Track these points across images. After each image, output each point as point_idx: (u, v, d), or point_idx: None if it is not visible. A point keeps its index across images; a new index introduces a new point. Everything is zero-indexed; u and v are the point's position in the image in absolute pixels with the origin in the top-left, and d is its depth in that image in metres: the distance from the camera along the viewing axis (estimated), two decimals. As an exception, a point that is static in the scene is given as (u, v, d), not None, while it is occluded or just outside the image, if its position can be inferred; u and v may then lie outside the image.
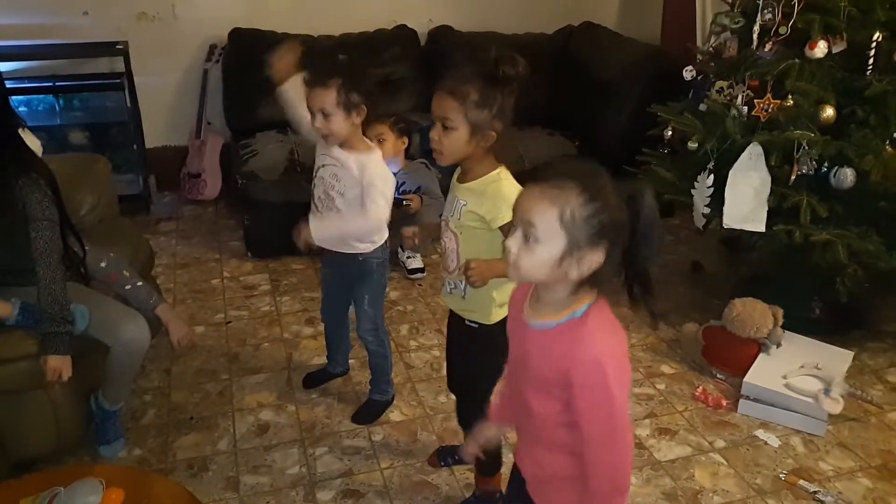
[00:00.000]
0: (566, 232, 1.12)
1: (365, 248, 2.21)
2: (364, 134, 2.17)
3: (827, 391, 2.39)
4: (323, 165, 2.16)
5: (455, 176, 1.81)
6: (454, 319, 1.95)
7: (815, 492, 2.14)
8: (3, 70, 3.57)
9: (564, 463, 1.30)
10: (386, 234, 2.24)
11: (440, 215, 1.90)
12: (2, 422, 2.02)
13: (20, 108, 3.74)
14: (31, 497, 1.45)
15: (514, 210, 1.19)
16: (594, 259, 1.14)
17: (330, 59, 2.30)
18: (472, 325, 1.84)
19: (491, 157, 1.73)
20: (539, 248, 1.14)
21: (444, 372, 2.63)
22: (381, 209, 2.09)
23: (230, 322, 3.01)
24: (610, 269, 1.16)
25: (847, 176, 2.45)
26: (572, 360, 1.17)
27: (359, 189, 2.10)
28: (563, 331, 1.20)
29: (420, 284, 3.33)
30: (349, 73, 2.04)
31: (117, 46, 3.71)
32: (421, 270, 3.38)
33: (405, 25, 4.21)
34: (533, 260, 1.15)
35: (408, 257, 3.42)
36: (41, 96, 3.79)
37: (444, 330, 2.07)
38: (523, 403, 1.30)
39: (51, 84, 3.75)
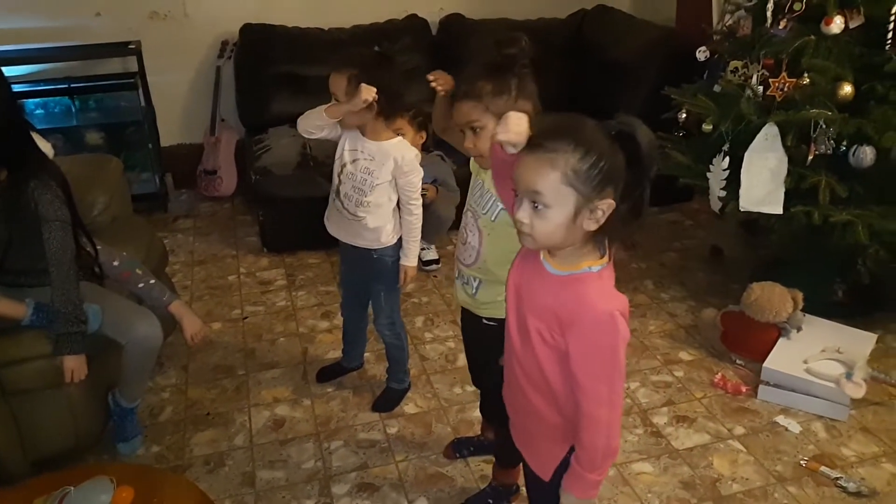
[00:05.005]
0: (573, 189, 1.15)
1: (383, 242, 2.20)
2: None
3: (849, 375, 2.34)
4: (354, 160, 2.15)
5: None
6: (469, 319, 1.92)
7: (837, 478, 2.09)
8: (18, 73, 3.65)
9: (547, 411, 1.35)
10: (400, 232, 2.23)
11: (456, 206, 1.85)
12: (20, 421, 2.05)
13: (37, 111, 3.79)
14: (43, 497, 1.46)
15: (516, 183, 1.20)
16: (606, 205, 1.16)
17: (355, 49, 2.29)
18: (490, 323, 1.80)
19: None
20: (551, 212, 1.16)
21: (459, 364, 2.65)
22: (420, 210, 2.20)
23: (246, 318, 3.03)
24: (621, 211, 1.18)
25: (867, 154, 2.39)
26: (586, 307, 1.20)
27: (390, 179, 2.13)
28: (581, 279, 1.23)
29: (435, 276, 3.31)
30: (367, 65, 2.03)
31: (130, 46, 3.73)
32: (436, 262, 3.37)
33: (416, 15, 4.19)
34: (548, 224, 1.17)
35: (422, 249, 3.40)
36: (57, 98, 3.82)
37: (459, 321, 2.06)
38: (515, 349, 1.35)
39: (66, 86, 3.77)
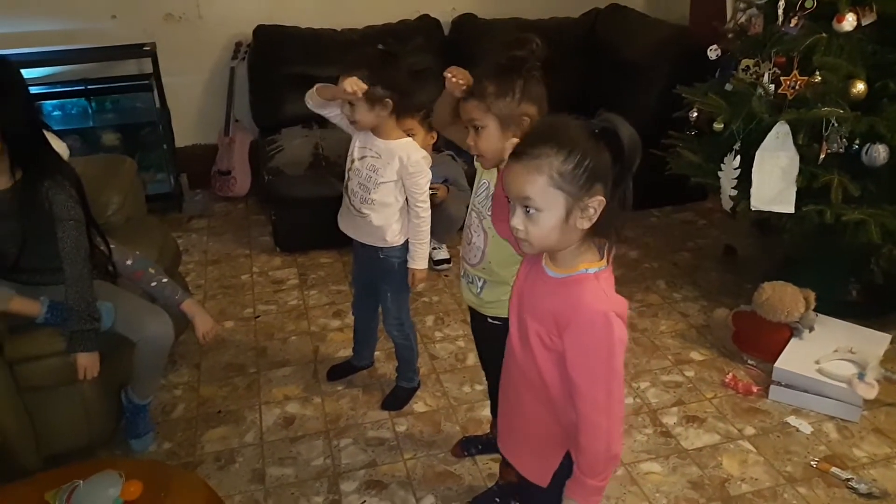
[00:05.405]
0: (561, 190, 1.17)
1: (388, 242, 2.21)
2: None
3: (861, 375, 2.32)
4: (362, 157, 2.17)
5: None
6: (476, 318, 1.92)
7: (847, 479, 2.07)
8: (36, 75, 3.70)
9: (546, 418, 1.36)
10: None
11: (467, 206, 1.84)
12: (34, 417, 2.08)
13: (54, 112, 3.85)
14: (53, 490, 1.49)
15: (507, 191, 1.23)
16: (596, 202, 1.18)
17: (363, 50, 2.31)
18: (495, 322, 1.81)
19: None
20: (543, 215, 1.19)
21: (469, 363, 2.66)
22: (427, 213, 2.17)
23: (259, 316, 3.05)
24: (612, 207, 1.20)
25: (879, 152, 2.36)
26: (581, 308, 1.21)
27: (396, 179, 2.13)
28: (578, 280, 1.24)
29: (446, 275, 3.32)
30: (376, 65, 2.04)
31: (145, 48, 3.78)
32: (447, 261, 3.38)
33: (428, 15, 4.19)
34: (542, 228, 1.20)
35: (433, 248, 3.41)
36: (74, 100, 3.87)
37: (469, 321, 2.06)
38: (514, 352, 1.37)
39: (83, 87, 3.82)
